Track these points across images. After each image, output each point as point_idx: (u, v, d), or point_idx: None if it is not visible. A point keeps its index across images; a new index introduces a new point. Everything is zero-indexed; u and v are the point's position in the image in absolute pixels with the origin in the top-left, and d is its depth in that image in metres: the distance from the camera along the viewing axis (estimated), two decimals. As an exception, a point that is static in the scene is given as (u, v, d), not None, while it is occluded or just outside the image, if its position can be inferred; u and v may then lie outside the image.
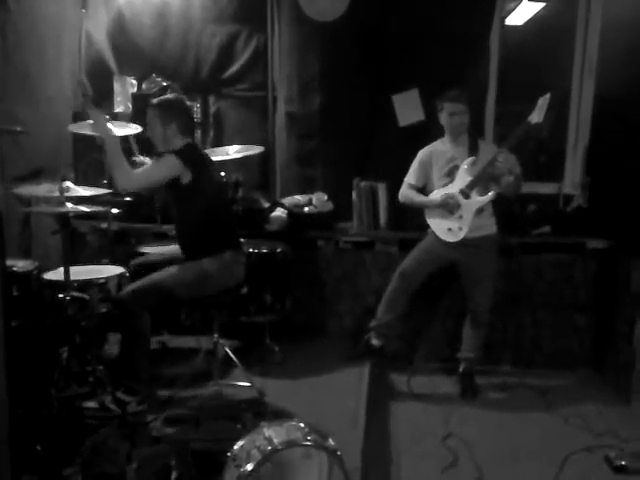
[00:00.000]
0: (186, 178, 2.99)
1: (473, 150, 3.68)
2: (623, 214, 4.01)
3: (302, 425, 2.18)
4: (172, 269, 3.09)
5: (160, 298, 3.00)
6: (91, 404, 2.88)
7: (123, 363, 3.02)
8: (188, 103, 3.26)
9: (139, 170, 3.11)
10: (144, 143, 3.57)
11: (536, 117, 3.44)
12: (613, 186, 4.14)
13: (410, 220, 4.18)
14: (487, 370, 4.04)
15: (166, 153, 3.05)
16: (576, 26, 4.41)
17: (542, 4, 4.59)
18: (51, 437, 2.52)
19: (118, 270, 3.37)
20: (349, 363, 3.84)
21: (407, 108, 4.42)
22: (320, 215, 4.40)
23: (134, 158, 3.54)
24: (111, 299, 3.21)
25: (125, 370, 2.99)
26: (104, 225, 4.01)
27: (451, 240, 3.65)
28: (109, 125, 3.09)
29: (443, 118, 3.70)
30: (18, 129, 3.08)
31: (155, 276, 3.04)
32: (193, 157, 3.08)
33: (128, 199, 3.91)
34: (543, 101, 3.43)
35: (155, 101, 3.23)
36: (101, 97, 4.58)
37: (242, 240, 3.39)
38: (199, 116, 4.60)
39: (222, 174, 3.78)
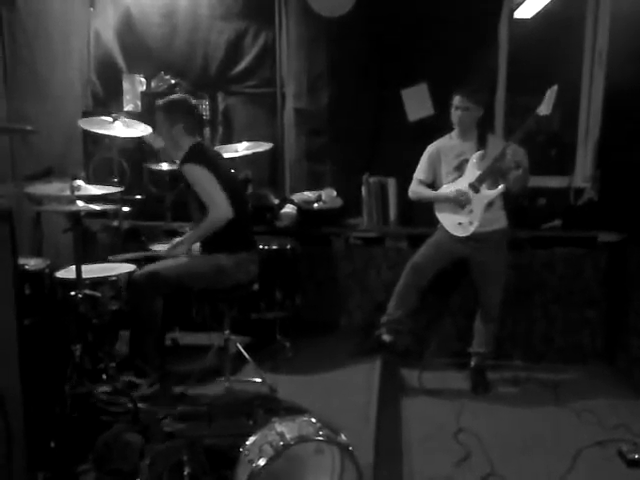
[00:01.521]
0: None
1: (482, 144, 3.66)
2: (634, 207, 3.99)
3: (314, 420, 2.19)
4: (187, 258, 3.14)
5: (173, 284, 3.06)
6: (104, 388, 2.93)
7: (132, 343, 3.10)
8: (193, 102, 3.23)
9: (207, 203, 3.04)
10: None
11: (544, 109, 3.43)
12: (624, 179, 4.12)
13: (420, 215, 4.18)
14: (498, 365, 4.03)
15: (182, 168, 3.07)
16: (585, 18, 4.38)
17: (550, -4, 4.56)
18: (65, 434, 2.54)
19: (129, 268, 3.39)
20: (360, 359, 3.84)
21: (416, 103, 4.41)
22: (330, 211, 4.39)
23: None
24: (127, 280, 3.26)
25: (134, 350, 3.07)
26: (115, 223, 4.03)
27: (461, 235, 3.64)
28: (176, 245, 3.14)
29: None
30: (28, 128, 3.07)
31: (171, 262, 3.09)
32: (204, 156, 3.10)
33: (139, 197, 3.92)
34: (551, 93, 3.42)
35: (160, 103, 3.23)
36: (110, 95, 4.61)
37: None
38: (208, 113, 4.61)
39: (233, 171, 3.77)
